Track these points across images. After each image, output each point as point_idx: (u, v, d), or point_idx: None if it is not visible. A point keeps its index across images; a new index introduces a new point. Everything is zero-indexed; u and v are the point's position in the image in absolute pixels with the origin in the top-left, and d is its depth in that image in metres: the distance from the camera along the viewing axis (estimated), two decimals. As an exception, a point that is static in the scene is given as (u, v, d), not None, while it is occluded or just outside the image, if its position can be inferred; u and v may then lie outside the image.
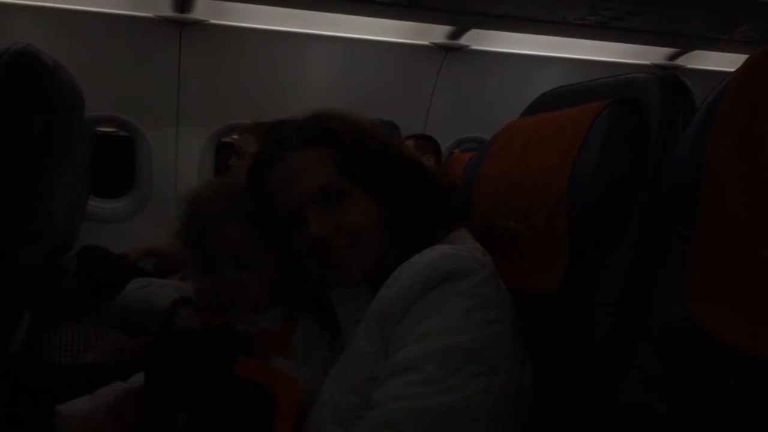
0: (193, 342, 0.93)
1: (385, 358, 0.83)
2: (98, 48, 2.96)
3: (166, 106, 3.20)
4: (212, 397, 0.84)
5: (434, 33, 3.37)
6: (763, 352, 0.63)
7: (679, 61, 3.84)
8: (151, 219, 3.28)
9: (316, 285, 1.06)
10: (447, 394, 0.76)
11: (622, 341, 0.86)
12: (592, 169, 0.92)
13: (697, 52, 3.74)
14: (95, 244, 2.47)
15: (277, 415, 0.83)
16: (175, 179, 3.32)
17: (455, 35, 3.37)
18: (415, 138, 3.25)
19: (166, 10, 2.95)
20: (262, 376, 0.86)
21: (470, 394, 0.77)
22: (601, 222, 0.94)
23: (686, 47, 3.68)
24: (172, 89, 3.16)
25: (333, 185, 0.95)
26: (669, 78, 0.96)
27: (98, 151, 2.88)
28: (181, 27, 3.02)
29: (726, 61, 3.67)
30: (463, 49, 3.48)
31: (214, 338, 0.91)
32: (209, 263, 1.07)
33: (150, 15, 2.95)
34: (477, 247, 0.93)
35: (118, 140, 3.30)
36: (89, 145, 2.64)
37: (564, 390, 0.93)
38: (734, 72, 0.75)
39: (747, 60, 0.73)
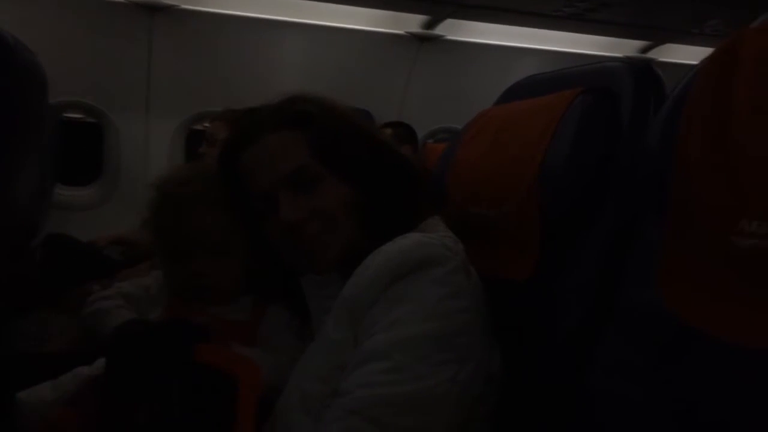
0: (148, 336, 0.90)
1: (355, 346, 0.82)
2: (66, 33, 2.90)
3: (136, 93, 3.15)
4: (174, 388, 0.82)
5: (409, 22, 3.36)
6: (731, 337, 0.64)
7: (651, 54, 3.88)
8: (120, 207, 3.23)
9: (287, 272, 1.04)
10: (415, 381, 0.76)
11: (593, 327, 0.86)
12: (564, 157, 0.92)
13: (668, 46, 3.79)
14: (62, 232, 2.43)
15: (239, 396, 0.81)
16: (145, 167, 3.27)
17: (430, 25, 3.37)
18: (393, 126, 3.24)
19: (138, -5, 2.90)
20: (220, 360, 0.84)
21: (438, 381, 0.77)
22: (573, 209, 0.94)
23: (658, 40, 3.72)
24: (143, 75, 3.10)
25: (307, 169, 0.94)
26: (640, 66, 0.97)
27: (66, 137, 2.81)
28: (153, 12, 2.96)
29: (696, 55, 3.71)
30: (438, 39, 3.48)
31: (170, 330, 0.89)
32: (180, 250, 1.05)
33: (121, -1, 2.90)
34: (449, 235, 0.92)
35: (86, 127, 3.24)
36: (56, 131, 2.58)
37: (534, 375, 0.93)
38: (704, 60, 0.75)
39: (717, 48, 0.73)
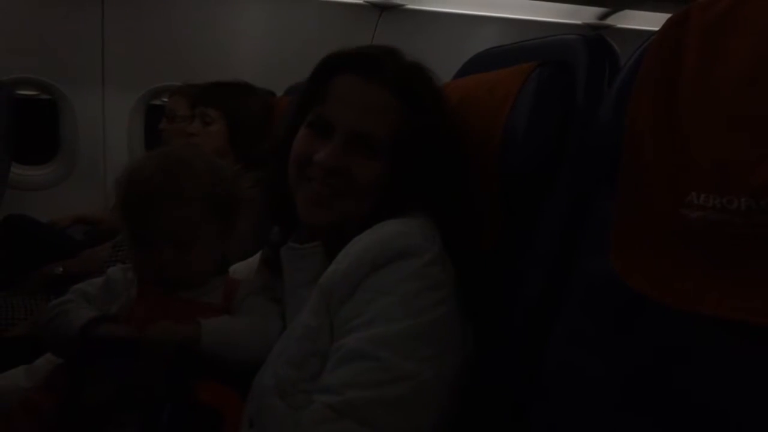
0: (135, 355, 0.92)
1: (331, 334, 0.83)
2: (16, 5, 2.79)
3: (90, 67, 3.06)
4: (166, 412, 0.85)
5: (366, -11, 3.32)
6: (682, 305, 0.66)
7: (609, 21, 3.91)
8: (78, 186, 3.15)
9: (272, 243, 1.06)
10: (404, 380, 0.76)
11: (553, 297, 0.88)
12: (522, 130, 0.94)
13: (627, 12, 3.82)
14: (20, 212, 2.38)
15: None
16: (104, 144, 3.20)
17: (388, -8, 3.33)
18: None
19: (88, -35, 2.79)
20: (213, 398, 0.87)
21: (427, 378, 0.78)
22: (531, 181, 0.96)
23: (616, 6, 3.74)
24: (96, 49, 3.01)
25: (377, 141, 0.92)
26: (594, 39, 0.98)
27: (20, 115, 2.74)
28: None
29: (656, 21, 3.75)
30: (399, 8, 3.44)
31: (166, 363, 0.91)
32: (148, 242, 1.04)
33: (70, -30, 2.79)
34: (427, 222, 0.91)
35: (41, 104, 3.14)
36: (9, 110, 2.51)
37: (496, 346, 0.95)
38: (655, 33, 0.77)
39: (666, 21, 0.75)
